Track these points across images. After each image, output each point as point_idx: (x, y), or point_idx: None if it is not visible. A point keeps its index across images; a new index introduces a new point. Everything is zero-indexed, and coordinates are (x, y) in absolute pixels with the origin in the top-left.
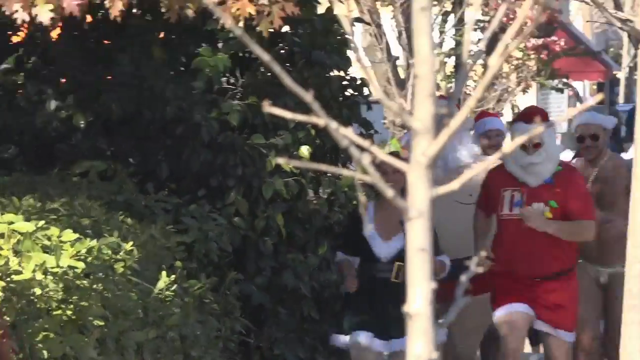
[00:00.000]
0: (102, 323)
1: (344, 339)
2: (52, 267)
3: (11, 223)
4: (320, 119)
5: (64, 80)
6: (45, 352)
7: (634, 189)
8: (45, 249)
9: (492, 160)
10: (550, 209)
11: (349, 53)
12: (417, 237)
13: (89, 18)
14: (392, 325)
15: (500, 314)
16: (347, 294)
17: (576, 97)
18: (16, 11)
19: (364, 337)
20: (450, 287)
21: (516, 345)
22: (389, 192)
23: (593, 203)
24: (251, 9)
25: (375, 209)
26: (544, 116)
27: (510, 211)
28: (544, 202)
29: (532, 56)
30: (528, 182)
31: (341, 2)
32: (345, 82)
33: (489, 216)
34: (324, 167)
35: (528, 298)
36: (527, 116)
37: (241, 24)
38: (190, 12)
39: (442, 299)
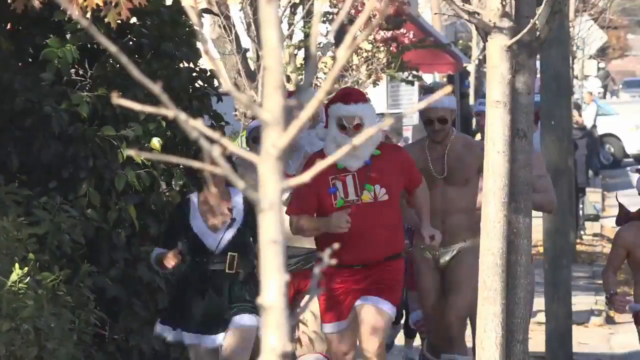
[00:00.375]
0: None
1: (171, 333)
2: None
3: None
4: (170, 111)
5: None
6: None
7: (485, 181)
8: None
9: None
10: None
11: (198, 45)
12: (269, 230)
13: None
14: (224, 316)
15: (328, 331)
16: (178, 289)
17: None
18: None
19: (191, 335)
20: (301, 279)
21: (347, 348)
22: (241, 184)
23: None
24: (99, 0)
25: (199, 201)
26: (362, 97)
27: (346, 197)
28: (360, 187)
29: (382, 49)
30: (349, 165)
31: None
32: (194, 74)
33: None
34: (174, 159)
35: (354, 290)
36: (344, 97)
37: (89, 15)
38: (36, 3)
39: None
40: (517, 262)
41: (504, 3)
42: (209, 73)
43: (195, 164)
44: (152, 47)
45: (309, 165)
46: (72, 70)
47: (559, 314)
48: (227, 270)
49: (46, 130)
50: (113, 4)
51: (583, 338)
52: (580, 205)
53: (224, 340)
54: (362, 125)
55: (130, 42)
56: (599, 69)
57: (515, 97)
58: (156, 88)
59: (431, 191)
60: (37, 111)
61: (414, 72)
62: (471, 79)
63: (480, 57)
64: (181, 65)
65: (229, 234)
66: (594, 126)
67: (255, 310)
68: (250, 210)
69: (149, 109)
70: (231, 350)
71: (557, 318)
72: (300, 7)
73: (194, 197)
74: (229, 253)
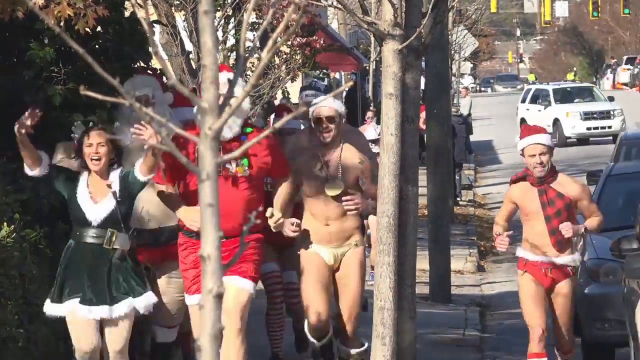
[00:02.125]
0: None
1: (58, 308)
2: None
3: None
4: (127, 100)
5: None
6: None
7: (381, 157)
8: None
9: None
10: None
11: (150, 48)
12: (207, 195)
13: None
14: (102, 291)
15: (192, 302)
16: (64, 263)
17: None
18: None
19: (77, 307)
20: (161, 253)
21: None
22: (183, 159)
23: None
24: (70, 11)
25: (88, 175)
26: (227, 68)
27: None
28: (237, 160)
29: (298, 51)
30: (224, 134)
31: (141, 7)
32: (149, 72)
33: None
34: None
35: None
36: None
37: (62, 23)
38: (20, 14)
39: (160, 260)
40: (406, 222)
41: (395, 15)
42: (159, 71)
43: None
44: (114, 50)
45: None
46: (51, 69)
47: (440, 263)
48: (104, 246)
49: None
50: (82, 15)
51: (459, 282)
52: (457, 177)
53: (106, 330)
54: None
55: (97, 46)
56: (471, 69)
57: (405, 90)
58: (115, 82)
59: (319, 193)
60: (19, 101)
61: (324, 71)
62: (370, 77)
63: (377, 59)
64: (137, 65)
65: (108, 206)
66: (469, 114)
67: (134, 294)
68: (125, 188)
69: (110, 99)
70: (113, 339)
71: (438, 267)
72: (232, 18)
73: (83, 174)
74: (109, 229)
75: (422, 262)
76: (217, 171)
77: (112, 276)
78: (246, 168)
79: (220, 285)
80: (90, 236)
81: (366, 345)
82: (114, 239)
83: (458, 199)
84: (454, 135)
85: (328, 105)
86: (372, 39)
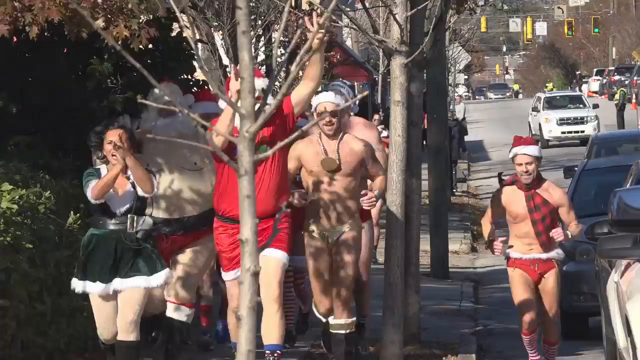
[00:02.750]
0: (30, 246)
1: (81, 285)
2: None
3: None
4: (176, 108)
5: None
6: None
7: (390, 154)
8: None
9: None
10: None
11: (194, 62)
12: (245, 188)
13: (14, 38)
14: (126, 267)
15: (228, 278)
16: (88, 248)
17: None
18: None
19: (99, 287)
20: (184, 239)
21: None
22: (225, 157)
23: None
24: (126, 32)
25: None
26: (260, 74)
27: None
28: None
29: None
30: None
31: (188, 28)
32: (191, 82)
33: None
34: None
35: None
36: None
37: (120, 42)
38: (84, 34)
39: (183, 246)
40: (411, 209)
41: (402, 34)
42: (201, 82)
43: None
44: (163, 64)
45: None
46: (108, 80)
47: (439, 245)
48: (128, 230)
49: (92, 120)
50: (136, 35)
51: (455, 261)
52: (454, 172)
53: (120, 302)
54: (264, 91)
55: (148, 61)
56: (465, 79)
57: (410, 98)
58: (166, 91)
59: (324, 179)
60: (86, 107)
61: (342, 80)
62: (379, 87)
63: (385, 71)
64: (182, 76)
65: (129, 198)
66: (464, 118)
67: (148, 272)
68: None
69: (162, 106)
70: (126, 311)
71: (437, 248)
72: (262, 37)
73: (103, 168)
74: (129, 215)
75: (424, 244)
76: (254, 168)
77: (132, 257)
78: (267, 149)
79: (257, 265)
80: (113, 224)
81: (354, 318)
82: (135, 223)
83: (454, 190)
84: (450, 136)
85: (330, 100)
86: (381, 54)
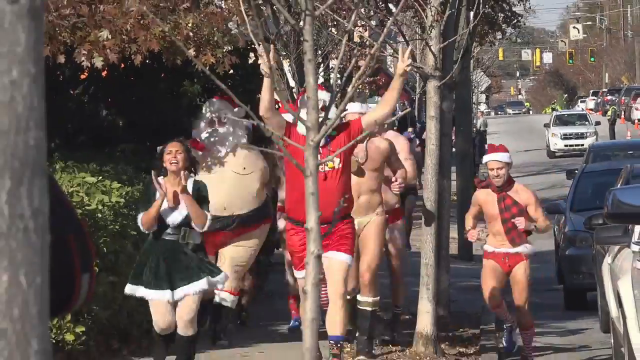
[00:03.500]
0: (134, 233)
1: (134, 289)
2: (107, 202)
3: (83, 178)
4: (255, 121)
5: (109, 99)
6: (104, 248)
7: (426, 159)
8: (103, 192)
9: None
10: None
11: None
12: (310, 187)
13: (122, 65)
14: (178, 276)
15: (300, 276)
16: (144, 254)
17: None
18: (83, 60)
19: (155, 292)
20: (231, 236)
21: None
22: (294, 161)
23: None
24: (212, 59)
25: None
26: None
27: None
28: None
29: (367, 87)
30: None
31: (261, 57)
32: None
33: None
34: (257, 148)
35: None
36: None
37: (207, 67)
38: (178, 61)
39: (228, 242)
40: (442, 205)
41: (435, 62)
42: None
43: (268, 150)
44: (242, 86)
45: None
46: (197, 99)
47: (463, 234)
48: (180, 241)
49: (184, 132)
50: (220, 62)
51: (477, 246)
52: (476, 174)
53: (179, 303)
54: (325, 107)
55: (230, 83)
56: (485, 98)
57: (442, 114)
58: (247, 108)
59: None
60: (180, 122)
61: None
62: (415, 106)
63: (421, 92)
64: (258, 96)
65: (183, 211)
66: (485, 130)
67: (203, 276)
68: (198, 193)
69: (245, 120)
70: (185, 312)
71: (463, 236)
72: (322, 64)
73: (161, 180)
74: (183, 227)
75: (453, 233)
76: (317, 170)
77: (185, 264)
78: (338, 162)
79: (320, 248)
80: (167, 234)
81: (378, 297)
82: (187, 235)
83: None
84: (473, 145)
85: (357, 110)
86: (418, 78)
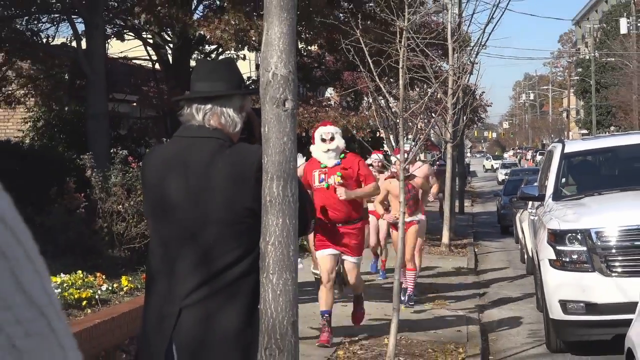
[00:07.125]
0: None
1: None
2: None
3: None
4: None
5: None
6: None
7: (446, 179)
8: None
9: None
10: (341, 177)
11: None
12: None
13: None
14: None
15: (319, 255)
16: None
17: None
18: None
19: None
20: None
21: (330, 266)
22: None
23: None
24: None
25: None
26: (331, 123)
27: (319, 183)
28: (335, 175)
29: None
30: (327, 163)
31: None
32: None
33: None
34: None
35: (333, 241)
36: (323, 123)
37: None
38: None
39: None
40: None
41: (450, 136)
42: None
43: None
44: None
45: (308, 166)
46: None
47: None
48: None
49: None
50: None
51: None
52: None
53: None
54: (334, 138)
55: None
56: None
57: (452, 157)
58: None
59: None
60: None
61: None
62: (440, 153)
63: (444, 148)
64: None
65: None
66: (468, 164)
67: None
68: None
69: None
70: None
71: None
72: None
73: None
74: None
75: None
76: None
77: None
78: (338, 178)
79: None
80: None
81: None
82: None
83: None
84: (465, 171)
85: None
86: (443, 142)
